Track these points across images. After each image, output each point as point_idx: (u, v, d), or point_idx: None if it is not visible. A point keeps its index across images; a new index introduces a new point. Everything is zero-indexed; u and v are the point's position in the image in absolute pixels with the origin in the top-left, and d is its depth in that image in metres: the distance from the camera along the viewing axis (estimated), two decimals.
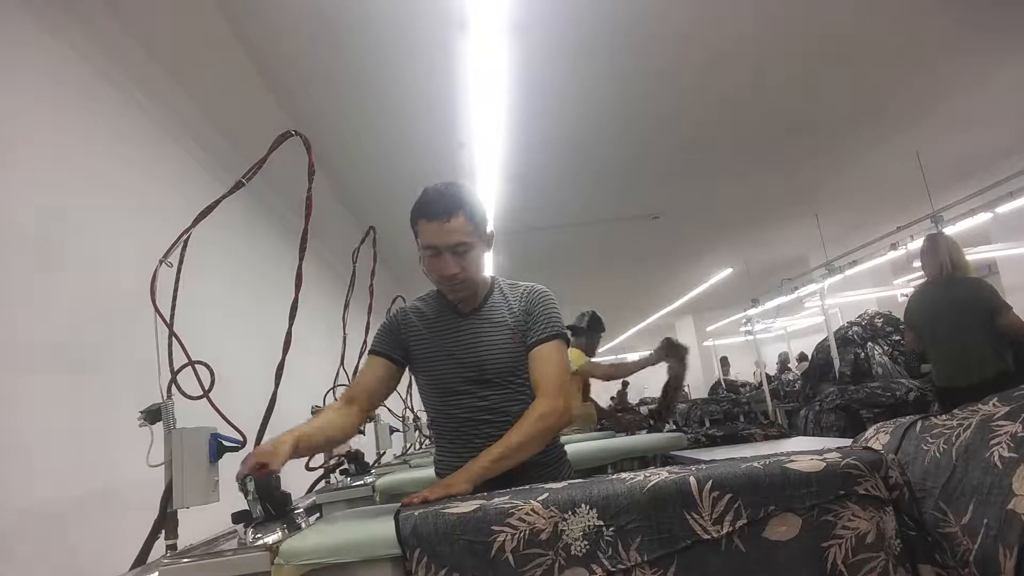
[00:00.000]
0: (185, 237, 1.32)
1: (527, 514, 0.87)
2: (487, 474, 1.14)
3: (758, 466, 0.91)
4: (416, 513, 0.90)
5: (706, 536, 0.86)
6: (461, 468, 1.16)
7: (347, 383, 2.20)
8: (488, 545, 0.86)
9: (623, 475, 0.96)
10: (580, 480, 1.01)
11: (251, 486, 1.05)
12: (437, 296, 1.41)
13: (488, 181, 4.08)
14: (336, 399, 2.25)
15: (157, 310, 1.22)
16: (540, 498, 0.90)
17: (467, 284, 1.31)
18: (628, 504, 0.88)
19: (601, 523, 0.87)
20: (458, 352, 1.32)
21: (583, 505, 0.89)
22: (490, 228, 1.35)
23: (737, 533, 0.87)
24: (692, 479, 0.89)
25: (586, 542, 0.86)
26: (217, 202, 1.32)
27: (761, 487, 0.88)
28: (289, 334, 1.21)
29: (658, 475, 0.92)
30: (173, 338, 1.25)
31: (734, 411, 5.90)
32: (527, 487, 1.00)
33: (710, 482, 0.89)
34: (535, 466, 1.28)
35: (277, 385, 1.15)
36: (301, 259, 1.19)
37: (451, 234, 1.24)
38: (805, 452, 0.96)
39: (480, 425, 1.30)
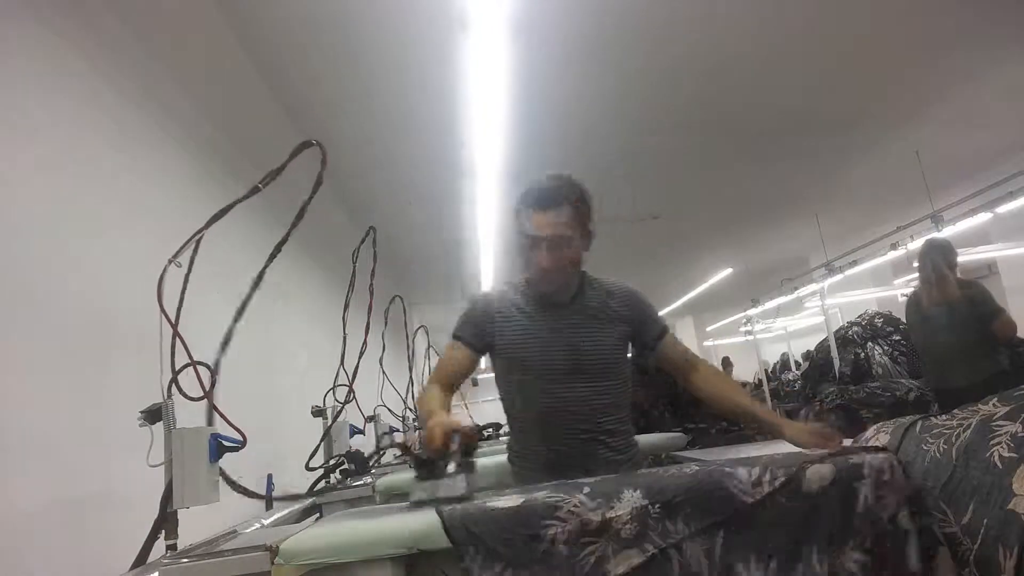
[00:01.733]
0: (197, 238, 1.31)
1: (574, 507, 0.89)
2: None
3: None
4: (460, 508, 0.91)
5: (748, 499, 0.90)
6: (784, 423, 1.18)
7: (347, 383, 2.20)
8: (540, 538, 0.87)
9: (657, 469, 0.99)
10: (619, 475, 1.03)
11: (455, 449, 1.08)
12: (527, 287, 1.39)
13: (488, 181, 4.08)
14: (336, 398, 2.25)
15: (163, 310, 1.22)
16: (584, 492, 0.91)
17: (560, 277, 1.31)
18: (670, 483, 0.92)
19: (646, 502, 0.89)
20: (556, 342, 1.31)
21: (627, 490, 0.91)
22: (592, 226, 1.35)
23: (777, 492, 0.91)
24: (724, 465, 0.95)
25: (635, 524, 0.88)
26: (231, 205, 1.32)
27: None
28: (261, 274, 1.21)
29: (690, 467, 0.98)
30: (176, 338, 1.25)
31: None
32: (567, 482, 1.00)
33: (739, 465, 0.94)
34: (613, 463, 1.31)
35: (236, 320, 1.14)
36: (273, 256, 1.18)
37: (554, 226, 1.25)
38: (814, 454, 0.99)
39: (567, 417, 1.30)
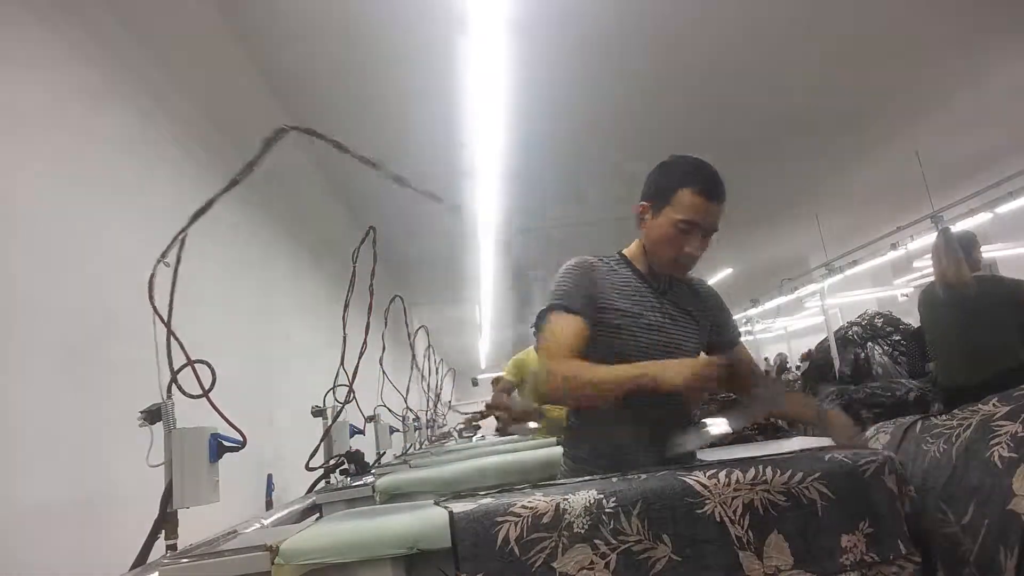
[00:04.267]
0: (182, 236, 1.31)
1: (528, 502, 0.88)
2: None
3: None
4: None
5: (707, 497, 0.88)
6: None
7: (347, 383, 2.19)
8: (494, 537, 0.85)
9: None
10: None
11: None
12: (624, 262, 1.33)
13: (488, 181, 4.08)
14: (336, 398, 2.25)
15: (155, 310, 1.22)
16: (541, 491, 0.91)
17: (692, 265, 1.30)
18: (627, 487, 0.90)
19: (601, 496, 0.88)
20: (651, 327, 1.26)
21: (583, 490, 0.90)
22: None
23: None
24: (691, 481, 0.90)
25: (587, 518, 0.86)
26: (212, 201, 1.32)
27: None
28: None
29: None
30: (172, 338, 1.25)
31: None
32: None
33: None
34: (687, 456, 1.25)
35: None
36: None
37: (717, 217, 1.22)
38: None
39: (646, 406, 1.16)
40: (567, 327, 1.20)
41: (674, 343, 1.28)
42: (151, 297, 1.22)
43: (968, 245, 2.91)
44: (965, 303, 2.80)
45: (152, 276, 1.24)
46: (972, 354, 2.81)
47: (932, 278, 3.03)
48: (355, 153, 1.09)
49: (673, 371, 1.04)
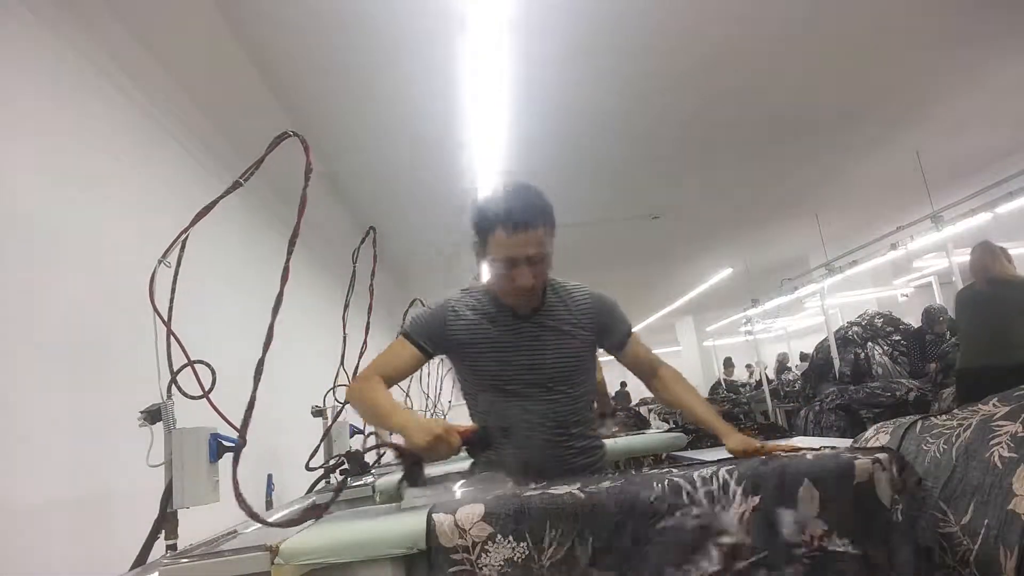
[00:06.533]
0: (183, 237, 1.31)
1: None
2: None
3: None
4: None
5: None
6: (727, 431, 1.21)
7: (347, 383, 2.19)
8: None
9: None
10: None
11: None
12: (489, 294, 1.35)
13: (488, 181, 4.08)
14: (336, 398, 2.25)
15: (156, 310, 1.22)
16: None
17: (537, 293, 1.29)
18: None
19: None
20: (517, 354, 1.30)
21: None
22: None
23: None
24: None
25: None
26: (215, 202, 1.32)
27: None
28: (271, 328, 1.19)
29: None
30: (172, 338, 1.25)
31: (734, 411, 5.92)
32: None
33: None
34: (579, 468, 1.31)
35: (256, 383, 1.12)
36: (289, 255, 1.18)
37: (531, 245, 1.20)
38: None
39: (532, 426, 1.28)
40: (391, 351, 1.30)
41: (539, 362, 1.30)
42: (151, 298, 1.22)
43: (1004, 252, 3.22)
44: (1009, 293, 3.04)
45: (152, 277, 1.24)
46: (1007, 341, 2.95)
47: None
48: (307, 182, 1.10)
49: (418, 431, 1.08)
